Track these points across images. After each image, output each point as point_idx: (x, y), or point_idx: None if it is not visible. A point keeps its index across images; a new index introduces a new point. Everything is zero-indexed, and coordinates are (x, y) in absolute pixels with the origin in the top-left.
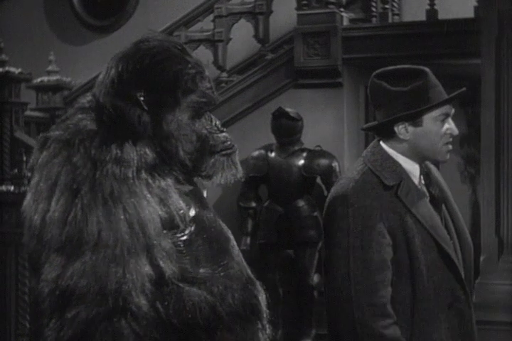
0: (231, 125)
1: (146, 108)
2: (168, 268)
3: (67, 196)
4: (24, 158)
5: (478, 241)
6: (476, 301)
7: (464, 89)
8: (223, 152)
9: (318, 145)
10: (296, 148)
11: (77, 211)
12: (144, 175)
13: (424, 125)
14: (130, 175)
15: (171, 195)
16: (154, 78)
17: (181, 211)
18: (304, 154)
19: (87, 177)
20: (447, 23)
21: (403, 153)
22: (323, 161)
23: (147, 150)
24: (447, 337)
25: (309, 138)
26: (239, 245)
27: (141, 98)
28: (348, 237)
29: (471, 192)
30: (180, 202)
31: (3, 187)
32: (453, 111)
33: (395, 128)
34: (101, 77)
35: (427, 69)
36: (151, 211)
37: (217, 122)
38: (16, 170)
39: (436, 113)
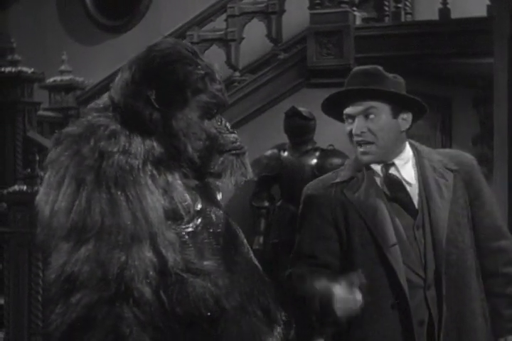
0: (244, 124)
1: (156, 106)
2: (171, 256)
3: (74, 186)
4: (37, 158)
5: None
6: None
7: (341, 90)
8: (232, 152)
9: (331, 145)
10: (309, 147)
11: (81, 199)
12: (149, 167)
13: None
14: (135, 167)
15: (175, 187)
16: (165, 78)
17: (186, 203)
18: (317, 153)
19: (92, 167)
20: (460, 22)
21: None
22: (336, 160)
23: (155, 145)
24: (381, 336)
25: (322, 137)
26: (252, 244)
27: (152, 97)
28: (297, 231)
29: None
30: (186, 194)
31: (16, 187)
32: (358, 110)
33: None
34: (116, 79)
35: (355, 69)
36: (154, 200)
37: (228, 124)
38: (28, 170)
39: (344, 114)
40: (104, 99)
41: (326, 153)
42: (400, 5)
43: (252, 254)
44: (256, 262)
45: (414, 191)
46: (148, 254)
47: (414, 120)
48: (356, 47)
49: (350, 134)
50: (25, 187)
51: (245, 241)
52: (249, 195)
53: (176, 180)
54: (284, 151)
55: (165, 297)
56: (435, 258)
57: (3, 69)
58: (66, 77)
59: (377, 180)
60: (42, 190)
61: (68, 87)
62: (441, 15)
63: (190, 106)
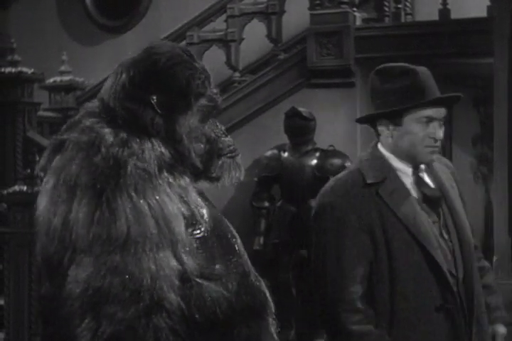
0: (244, 125)
1: (159, 111)
2: (190, 263)
3: (90, 196)
4: (37, 158)
5: (491, 241)
6: None
7: (454, 94)
8: (229, 155)
9: (331, 145)
10: (309, 147)
11: (103, 209)
12: (165, 174)
13: (404, 125)
14: (153, 174)
15: (190, 193)
16: (167, 82)
17: (199, 207)
18: (317, 154)
19: (109, 175)
20: (460, 22)
21: (393, 152)
22: (336, 161)
23: (163, 151)
24: (425, 338)
25: (322, 137)
26: (252, 245)
27: (154, 101)
28: (325, 235)
29: (483, 191)
30: (199, 199)
31: (16, 187)
32: (442, 115)
33: (378, 127)
34: (109, 82)
35: (420, 69)
36: (174, 207)
37: (223, 128)
38: (28, 170)
39: (417, 115)
40: (95, 102)
41: (326, 154)
42: (400, 5)
43: (246, 254)
44: (249, 262)
45: None
46: (173, 262)
47: None
48: (356, 47)
49: (432, 137)
50: (25, 188)
51: (240, 241)
52: (249, 195)
53: (189, 185)
54: (285, 152)
55: (184, 304)
56: (462, 255)
57: (3, 69)
58: (66, 78)
59: (408, 181)
60: (46, 199)
61: (68, 88)
62: (441, 15)
63: (193, 110)
